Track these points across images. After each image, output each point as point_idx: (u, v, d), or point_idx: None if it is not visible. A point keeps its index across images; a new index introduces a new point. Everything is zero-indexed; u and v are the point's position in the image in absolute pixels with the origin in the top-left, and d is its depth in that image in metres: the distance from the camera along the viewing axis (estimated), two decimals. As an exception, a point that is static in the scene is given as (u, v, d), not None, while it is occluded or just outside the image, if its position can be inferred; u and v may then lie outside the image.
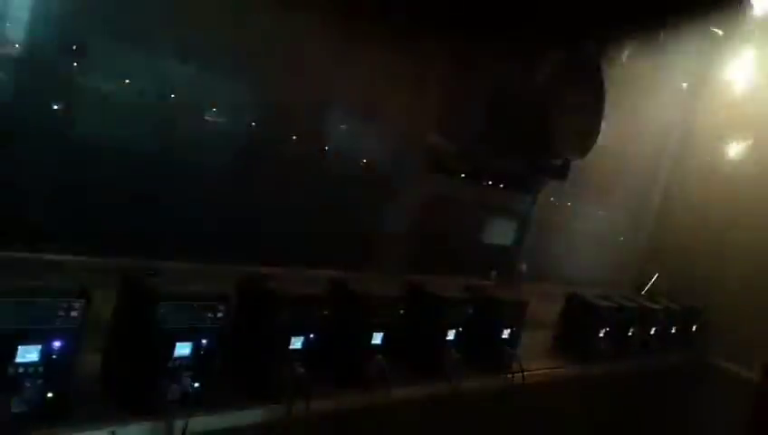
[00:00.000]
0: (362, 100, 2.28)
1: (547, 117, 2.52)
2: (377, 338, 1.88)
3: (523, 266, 3.45)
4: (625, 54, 3.12)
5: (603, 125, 2.78)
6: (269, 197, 1.89)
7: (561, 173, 3.02)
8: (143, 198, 1.84)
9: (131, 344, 1.42)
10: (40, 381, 1.23)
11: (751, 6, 3.31)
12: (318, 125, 1.92)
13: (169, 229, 1.71)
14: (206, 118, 1.97)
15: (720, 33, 3.30)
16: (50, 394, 1.25)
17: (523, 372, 2.38)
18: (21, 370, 1.21)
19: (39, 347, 1.23)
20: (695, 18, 3.26)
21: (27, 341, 1.21)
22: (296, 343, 1.65)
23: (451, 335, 2.15)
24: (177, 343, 1.42)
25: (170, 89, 1.85)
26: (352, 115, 2.15)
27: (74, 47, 1.71)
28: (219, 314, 1.50)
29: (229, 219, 2.14)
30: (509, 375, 2.37)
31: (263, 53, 1.95)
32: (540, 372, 2.66)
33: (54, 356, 1.25)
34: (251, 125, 2.11)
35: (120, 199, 1.82)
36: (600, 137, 2.78)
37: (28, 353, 1.22)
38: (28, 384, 1.22)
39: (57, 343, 1.24)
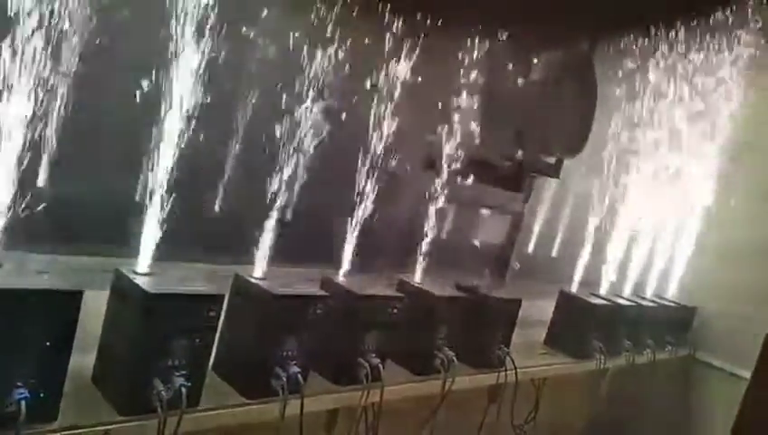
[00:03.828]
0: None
1: (540, 115, 2.53)
2: (369, 336, 1.88)
3: (516, 265, 3.47)
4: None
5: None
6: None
7: (554, 172, 3.03)
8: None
9: (124, 343, 1.42)
10: (32, 382, 1.23)
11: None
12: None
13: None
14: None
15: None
16: (42, 394, 1.25)
17: (516, 369, 2.40)
18: (12, 370, 1.20)
19: (30, 347, 1.22)
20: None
21: (19, 340, 1.21)
22: (289, 342, 1.66)
23: (444, 333, 2.16)
24: (170, 342, 1.42)
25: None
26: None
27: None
28: (212, 313, 1.50)
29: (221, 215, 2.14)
30: (502, 373, 2.38)
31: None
32: (533, 369, 2.67)
33: (46, 356, 1.24)
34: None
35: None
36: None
37: (19, 353, 1.21)
38: (20, 383, 1.21)
39: (49, 343, 1.24)
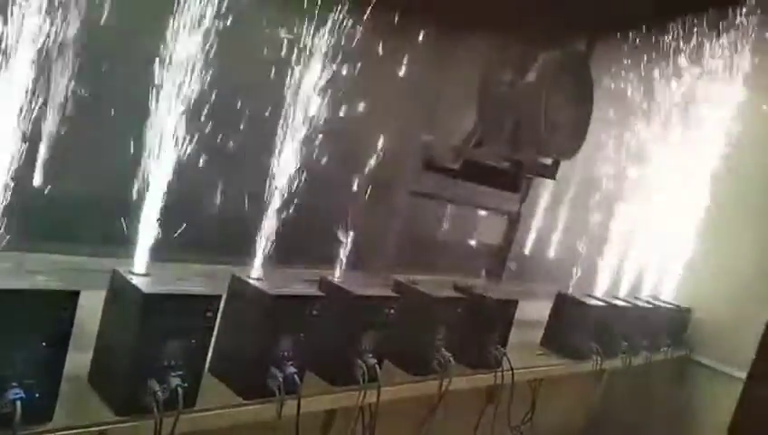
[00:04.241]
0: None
1: (537, 116, 2.54)
2: (366, 337, 1.88)
3: (513, 265, 3.47)
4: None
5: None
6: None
7: (551, 173, 3.03)
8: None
9: (121, 344, 1.41)
10: (28, 382, 1.22)
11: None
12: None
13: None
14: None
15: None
16: (37, 394, 1.24)
17: (512, 370, 2.40)
18: (8, 370, 1.20)
19: (26, 347, 1.22)
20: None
21: (15, 340, 1.20)
22: (286, 342, 1.66)
23: (441, 334, 2.16)
24: (167, 343, 1.42)
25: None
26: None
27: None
28: (209, 314, 1.50)
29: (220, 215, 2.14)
30: (499, 374, 2.39)
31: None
32: (529, 370, 2.67)
33: (42, 356, 1.24)
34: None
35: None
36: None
37: (15, 353, 1.21)
38: (16, 384, 1.21)
39: (45, 343, 1.24)
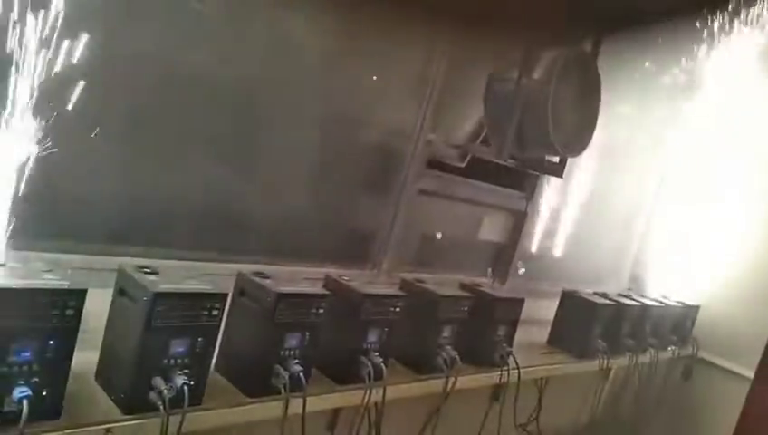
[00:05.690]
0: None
1: (543, 114, 2.52)
2: (372, 335, 1.88)
3: (519, 264, 3.46)
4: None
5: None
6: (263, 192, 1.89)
7: (558, 171, 3.01)
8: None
9: (127, 342, 1.42)
10: (35, 380, 1.23)
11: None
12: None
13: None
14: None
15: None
16: (44, 392, 1.24)
17: (518, 369, 2.39)
18: (15, 368, 1.21)
19: (33, 345, 1.22)
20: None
21: (22, 338, 1.21)
22: (292, 340, 1.66)
23: (447, 333, 2.15)
24: (173, 341, 1.42)
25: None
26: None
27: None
28: (215, 312, 1.50)
29: (224, 214, 2.14)
30: (505, 372, 2.38)
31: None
32: (535, 369, 2.67)
33: (49, 354, 1.24)
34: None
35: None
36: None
37: (22, 352, 1.21)
38: (23, 382, 1.21)
39: (52, 341, 1.24)
